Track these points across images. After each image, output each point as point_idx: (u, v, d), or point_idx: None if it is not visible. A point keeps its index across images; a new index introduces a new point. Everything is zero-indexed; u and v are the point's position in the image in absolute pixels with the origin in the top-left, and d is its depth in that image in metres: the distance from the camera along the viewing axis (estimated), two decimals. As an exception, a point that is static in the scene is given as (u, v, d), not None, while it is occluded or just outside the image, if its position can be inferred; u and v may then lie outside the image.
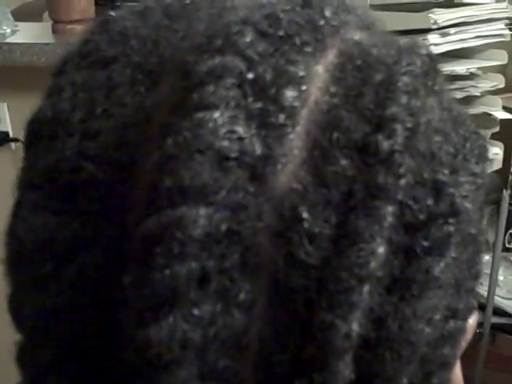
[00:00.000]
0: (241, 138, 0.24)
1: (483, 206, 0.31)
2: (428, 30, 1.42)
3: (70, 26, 1.54)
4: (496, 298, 1.82)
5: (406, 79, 0.26)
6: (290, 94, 0.24)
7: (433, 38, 1.43)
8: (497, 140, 1.70)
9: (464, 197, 0.27)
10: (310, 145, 0.25)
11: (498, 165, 1.68)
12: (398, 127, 0.25)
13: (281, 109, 0.24)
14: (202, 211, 0.23)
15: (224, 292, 0.24)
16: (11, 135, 1.65)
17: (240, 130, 0.24)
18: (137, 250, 0.24)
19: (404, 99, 0.25)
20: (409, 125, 0.25)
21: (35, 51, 1.47)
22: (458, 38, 1.50)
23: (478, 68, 1.58)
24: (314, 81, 0.25)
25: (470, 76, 1.57)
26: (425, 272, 0.26)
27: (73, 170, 0.26)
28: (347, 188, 0.24)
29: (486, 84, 1.60)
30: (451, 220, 0.27)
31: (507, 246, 2.01)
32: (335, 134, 0.25)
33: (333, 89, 0.25)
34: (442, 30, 1.44)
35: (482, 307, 1.84)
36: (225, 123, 0.23)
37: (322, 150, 0.25)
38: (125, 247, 0.24)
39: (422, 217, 0.26)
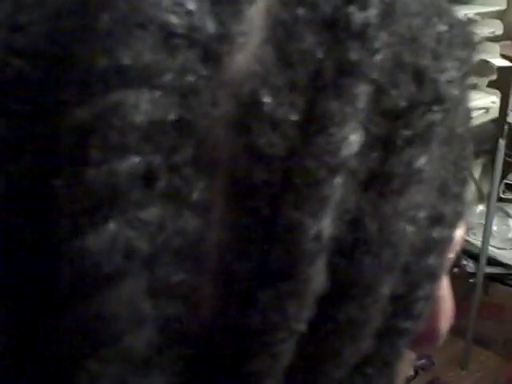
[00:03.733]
0: (190, 13, 0.21)
1: (469, 105, 0.28)
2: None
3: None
4: (490, 248, 1.83)
5: None
6: None
7: (430, -19, 1.40)
8: (494, 88, 1.67)
9: (449, 82, 0.25)
10: (271, 22, 0.22)
11: (494, 113, 1.66)
12: None
13: None
14: (145, 95, 0.20)
15: (174, 192, 0.21)
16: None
17: (189, 3, 0.21)
18: (68, 144, 0.21)
19: None
20: None
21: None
22: (455, -18, 1.46)
23: (476, 13, 1.54)
24: None
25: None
26: (406, 164, 0.23)
27: None
28: (315, 67, 0.22)
29: (483, 30, 1.57)
30: (435, 107, 0.24)
31: (502, 196, 2.00)
32: (300, 9, 0.22)
33: None
34: (439, -28, 1.41)
35: (475, 257, 1.84)
36: None
37: (285, 26, 0.22)
38: (58, 148, 0.21)
39: (402, 103, 0.23)
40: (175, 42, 0.21)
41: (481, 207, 2.02)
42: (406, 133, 0.24)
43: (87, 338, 0.21)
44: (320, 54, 0.22)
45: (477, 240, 1.85)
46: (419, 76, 0.24)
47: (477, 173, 2.20)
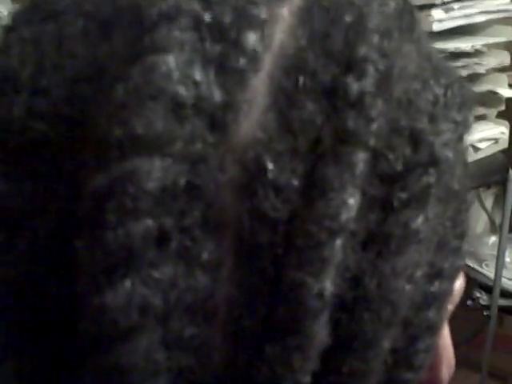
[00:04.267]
0: (197, 83, 0.22)
1: (467, 161, 0.30)
2: (432, 6, 1.38)
3: None
4: (503, 279, 1.80)
5: (377, 19, 0.25)
6: (251, 37, 0.23)
7: (436, 13, 1.40)
8: (502, 119, 1.67)
9: (444, 145, 0.26)
10: (274, 90, 0.23)
11: (503, 144, 1.65)
12: (369, 68, 0.23)
13: (242, 52, 0.23)
14: (157, 163, 0.21)
15: (185, 252, 0.22)
16: None
17: (196, 74, 0.22)
18: (87, 208, 0.22)
19: (375, 39, 0.24)
20: (381, 66, 0.24)
21: None
22: (462, 14, 1.46)
23: (483, 45, 1.54)
24: (279, 24, 0.24)
25: (475, 53, 1.53)
26: (403, 226, 0.25)
27: (22, 130, 0.25)
28: (315, 134, 0.23)
29: (491, 61, 1.56)
30: (431, 170, 0.25)
31: (514, 226, 1.98)
32: (301, 78, 0.23)
33: (299, 32, 0.24)
34: (445, 5, 1.40)
35: (489, 289, 1.82)
36: (179, 67, 0.22)
37: (287, 94, 0.23)
38: (78, 209, 0.23)
39: (399, 167, 0.25)
40: (184, 111, 0.22)
41: (493, 238, 2.00)
42: (403, 195, 0.25)
43: None
44: (320, 122, 0.23)
45: (490, 272, 1.83)
46: (415, 139, 0.25)
47: (489, 204, 2.19)
